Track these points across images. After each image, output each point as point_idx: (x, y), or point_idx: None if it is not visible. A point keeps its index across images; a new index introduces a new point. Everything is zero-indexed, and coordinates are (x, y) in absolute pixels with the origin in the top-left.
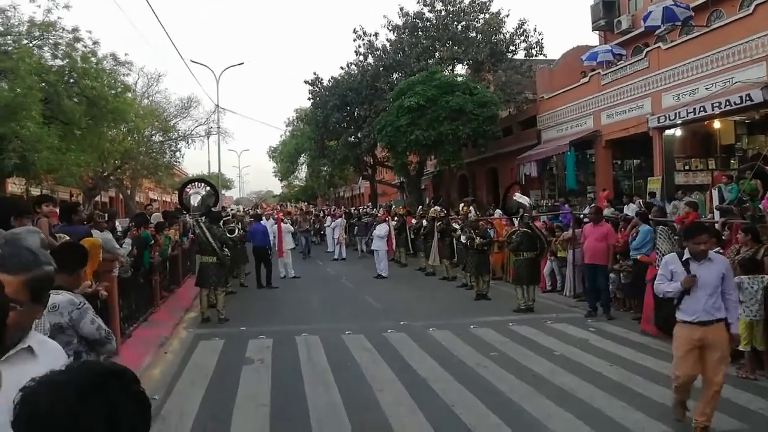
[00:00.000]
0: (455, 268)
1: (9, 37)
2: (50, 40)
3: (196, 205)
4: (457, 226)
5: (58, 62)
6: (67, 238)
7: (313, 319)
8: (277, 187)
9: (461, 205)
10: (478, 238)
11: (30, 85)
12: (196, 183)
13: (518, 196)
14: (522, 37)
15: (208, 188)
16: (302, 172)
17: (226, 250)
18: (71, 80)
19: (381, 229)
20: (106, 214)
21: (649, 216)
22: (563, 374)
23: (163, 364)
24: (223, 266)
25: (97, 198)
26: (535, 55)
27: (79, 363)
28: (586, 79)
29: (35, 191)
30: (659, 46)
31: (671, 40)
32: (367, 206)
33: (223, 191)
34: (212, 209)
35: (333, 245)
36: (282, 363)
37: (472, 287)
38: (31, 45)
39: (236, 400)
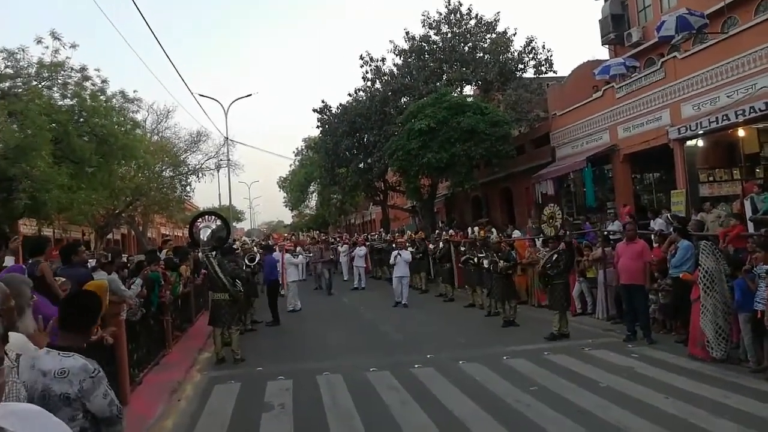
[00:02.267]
0: (479, 294)
1: (19, 79)
2: (59, 80)
3: (205, 239)
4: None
5: (68, 101)
6: (63, 280)
7: (333, 355)
8: (287, 216)
9: (476, 227)
10: (502, 261)
11: (40, 125)
12: (207, 216)
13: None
14: (531, 55)
15: (218, 222)
16: (312, 200)
17: (239, 285)
18: (81, 119)
19: (407, 255)
20: (110, 254)
21: (688, 230)
22: (614, 409)
23: (176, 413)
24: (236, 303)
25: (109, 236)
26: (545, 73)
27: None
28: (599, 93)
29: (47, 231)
30: (675, 56)
31: (685, 49)
32: (380, 231)
33: (234, 223)
34: (224, 243)
35: (348, 274)
36: (304, 408)
37: (498, 314)
38: (40, 86)
39: None
